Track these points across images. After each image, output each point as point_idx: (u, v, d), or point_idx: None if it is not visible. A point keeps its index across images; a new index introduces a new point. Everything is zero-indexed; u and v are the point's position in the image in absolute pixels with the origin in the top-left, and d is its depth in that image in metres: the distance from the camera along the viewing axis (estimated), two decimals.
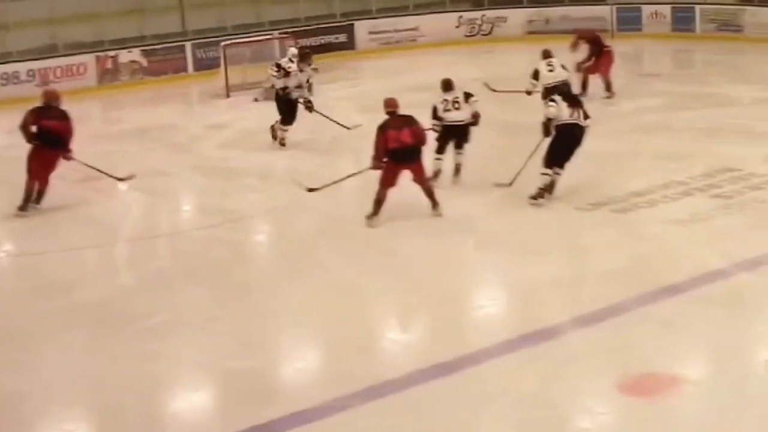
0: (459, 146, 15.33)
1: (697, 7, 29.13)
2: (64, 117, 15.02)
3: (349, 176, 14.73)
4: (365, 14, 30.11)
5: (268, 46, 25.91)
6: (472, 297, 11.50)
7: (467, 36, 30.03)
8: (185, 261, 13.02)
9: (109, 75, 25.09)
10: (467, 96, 15.27)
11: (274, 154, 18.40)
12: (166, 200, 16.01)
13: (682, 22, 28.99)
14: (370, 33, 28.36)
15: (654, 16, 29.57)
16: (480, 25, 29.99)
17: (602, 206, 13.75)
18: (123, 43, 26.41)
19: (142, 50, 26.35)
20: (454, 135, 15.24)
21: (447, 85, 15.45)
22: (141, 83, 25.97)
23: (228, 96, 23.09)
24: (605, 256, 11.99)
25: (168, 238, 14.07)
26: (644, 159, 16.48)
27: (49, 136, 14.80)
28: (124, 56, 25.82)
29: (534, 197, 13.85)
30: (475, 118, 15.16)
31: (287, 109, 18.45)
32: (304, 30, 28.30)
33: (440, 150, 15.29)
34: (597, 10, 30.08)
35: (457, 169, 15.32)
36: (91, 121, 22.10)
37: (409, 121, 13.74)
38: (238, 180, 16.83)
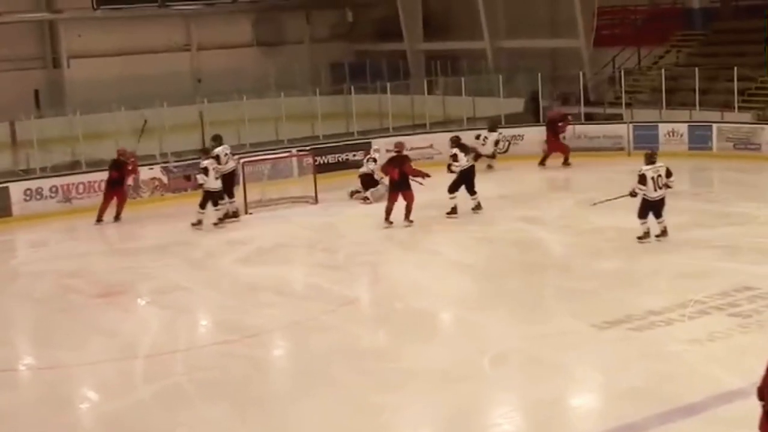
0: None
1: (714, 126, 29.44)
2: None
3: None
4: (382, 132, 30.51)
5: (286, 164, 26.37)
6: (487, 414, 11.57)
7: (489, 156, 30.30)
8: (202, 376, 13.12)
9: (130, 191, 25.38)
10: None
11: (290, 271, 18.79)
12: (184, 315, 16.17)
13: (699, 140, 29.24)
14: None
15: (671, 134, 29.86)
16: (497, 143, 30.34)
17: (620, 324, 13.84)
18: (144, 160, 26.81)
19: (163, 167, 26.75)
20: None
21: None
22: (161, 200, 26.30)
23: (246, 212, 23.34)
24: (623, 375, 12.05)
25: (185, 353, 14.21)
26: (662, 277, 16.60)
27: None
28: (145, 173, 26.18)
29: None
30: None
31: None
32: (323, 147, 28.66)
33: None
34: (614, 129, 30.44)
35: None
36: (111, 236, 22.52)
37: None
38: (254, 296, 17.04)
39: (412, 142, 29.79)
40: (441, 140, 29.89)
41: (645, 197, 18.74)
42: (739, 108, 30.16)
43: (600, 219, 21.13)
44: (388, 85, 33.12)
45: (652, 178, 18.72)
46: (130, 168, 24.39)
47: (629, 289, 15.73)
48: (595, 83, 37.24)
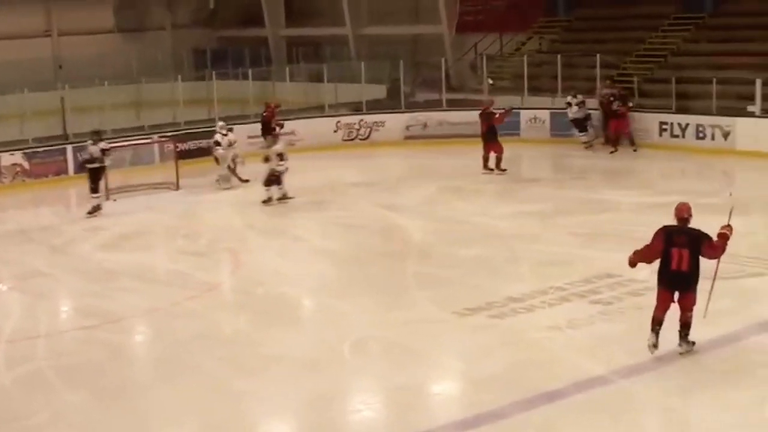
0: None
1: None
2: None
3: None
4: (244, 118, 30.16)
5: (148, 150, 26.15)
6: (348, 400, 11.47)
7: (345, 140, 30.20)
8: (63, 362, 12.86)
9: None
10: None
11: (152, 257, 18.65)
12: (45, 301, 15.90)
13: (561, 127, 29.57)
14: (249, 137, 28.30)
15: (533, 120, 30.15)
16: (358, 130, 30.24)
17: (481, 311, 13.81)
18: (5, 146, 26.22)
19: (24, 153, 26.13)
20: None
21: None
22: (22, 185, 25.68)
23: (108, 198, 22.83)
24: (484, 362, 12.01)
25: (46, 339, 13.92)
26: (523, 264, 16.68)
27: None
28: (6, 159, 25.58)
29: None
30: None
31: None
32: (184, 133, 28.26)
33: None
34: (475, 116, 30.55)
35: None
36: None
37: None
38: (116, 282, 16.76)
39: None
40: (303, 126, 29.79)
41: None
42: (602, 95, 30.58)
43: (461, 206, 21.22)
44: (250, 71, 32.88)
45: None
46: None
47: (491, 277, 15.76)
48: (458, 70, 37.41)
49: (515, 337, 12.88)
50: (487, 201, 22.12)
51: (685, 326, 11.94)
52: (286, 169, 21.92)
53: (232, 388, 11.66)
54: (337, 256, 17.86)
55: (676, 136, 27.65)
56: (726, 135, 26.50)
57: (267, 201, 21.86)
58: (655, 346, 11.71)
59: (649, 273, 15.12)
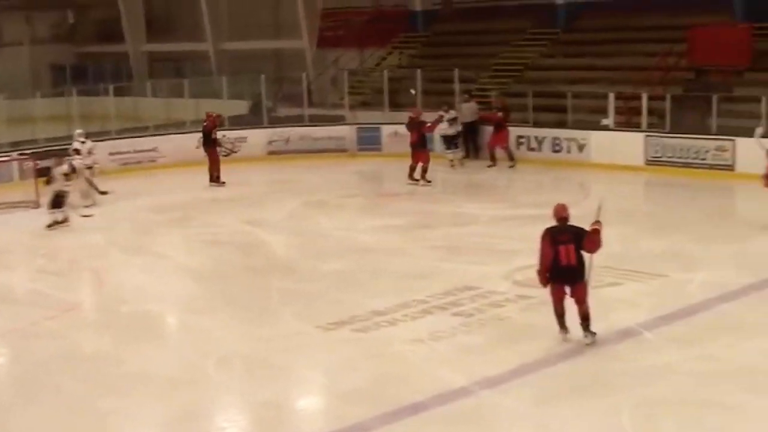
0: None
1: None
2: None
3: None
4: (104, 135, 29.74)
5: (6, 167, 25.83)
6: (213, 418, 11.40)
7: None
8: None
9: None
10: None
11: (11, 276, 18.23)
12: None
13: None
14: (110, 154, 27.94)
15: (394, 135, 30.35)
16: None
17: (344, 325, 13.86)
18: None
19: None
20: None
21: None
22: None
23: None
24: (348, 376, 12.06)
25: None
26: (386, 278, 16.78)
27: None
28: None
29: None
30: None
31: None
32: (45, 151, 27.73)
33: None
34: (337, 130, 30.74)
35: None
36: None
37: None
38: None
39: (136, 145, 29.27)
40: (165, 143, 29.50)
41: None
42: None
43: (325, 221, 21.28)
44: (111, 87, 32.44)
45: None
46: None
47: (354, 290, 15.82)
48: (319, 85, 37.51)
49: (379, 350, 12.95)
50: (350, 215, 22.23)
51: (584, 318, 12.83)
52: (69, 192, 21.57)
53: (95, 408, 11.47)
54: (201, 273, 17.74)
55: (533, 149, 28.17)
56: (581, 148, 27.13)
57: (51, 225, 21.23)
58: (566, 334, 12.89)
59: (508, 285, 15.57)
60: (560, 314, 12.96)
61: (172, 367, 12.67)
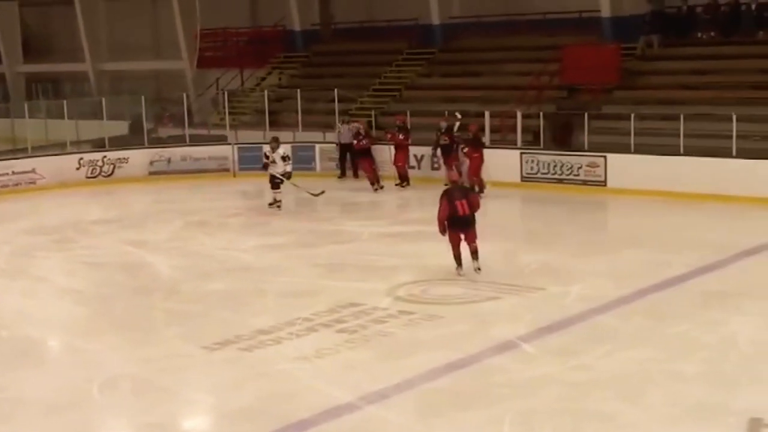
0: None
1: (317, 146, 30.30)
2: None
3: None
4: None
5: None
6: None
7: (89, 177, 29.60)
8: None
9: None
10: None
11: None
12: None
13: (303, 160, 29.94)
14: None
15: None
16: (101, 167, 29.70)
17: (230, 345, 13.79)
18: None
19: None
20: None
21: None
22: None
23: None
24: (234, 395, 11.99)
25: None
26: (270, 297, 16.78)
27: None
28: None
29: None
30: None
31: None
32: None
33: None
34: (219, 150, 30.63)
35: None
36: None
37: None
38: None
39: (14, 167, 28.74)
40: (45, 164, 29.04)
41: None
42: None
43: (208, 240, 21.16)
44: None
45: None
46: None
47: (238, 310, 15.75)
48: (200, 105, 37.35)
49: (264, 368, 12.92)
50: (233, 235, 22.15)
51: (474, 252, 17.15)
52: None
53: None
54: (83, 295, 17.48)
55: (413, 168, 28.42)
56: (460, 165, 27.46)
57: None
58: (461, 270, 17.10)
59: (390, 301, 15.69)
60: (458, 256, 17.09)
61: (55, 391, 12.41)
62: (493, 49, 32.83)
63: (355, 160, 29.01)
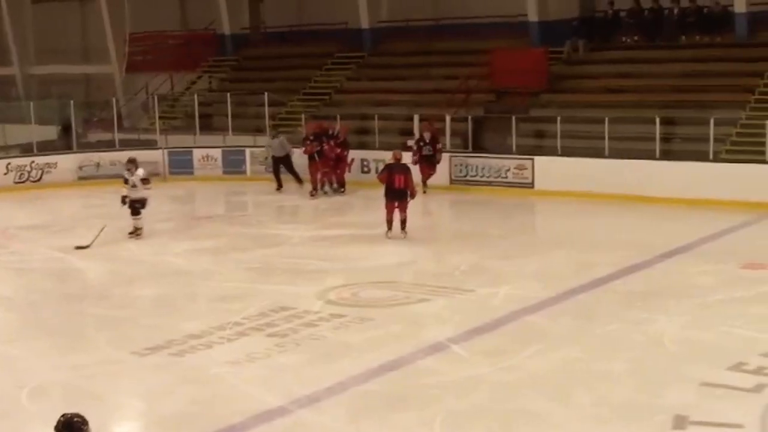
0: None
1: (247, 150, 30.18)
2: None
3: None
4: None
5: None
6: None
7: (17, 182, 29.17)
8: None
9: None
10: None
11: None
12: None
13: (233, 164, 29.85)
14: None
15: (205, 159, 30.22)
16: (29, 172, 29.30)
17: (161, 350, 13.67)
18: None
19: None
20: None
21: None
22: None
23: None
24: (166, 400, 11.90)
25: None
26: (201, 301, 16.68)
27: None
28: None
29: None
30: None
31: None
32: None
33: None
34: (149, 155, 30.31)
35: None
36: None
37: None
38: None
39: None
40: None
41: None
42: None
43: (137, 246, 20.94)
44: None
45: None
46: None
47: (169, 315, 15.64)
48: (130, 109, 37.05)
49: (196, 373, 12.82)
50: (163, 239, 21.94)
51: (403, 222, 20.55)
52: None
53: None
54: (11, 302, 17.22)
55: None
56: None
57: None
58: (389, 232, 20.57)
59: (321, 304, 15.67)
60: (390, 221, 20.57)
61: None
62: (421, 53, 32.92)
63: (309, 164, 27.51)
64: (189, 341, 13.96)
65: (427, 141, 26.71)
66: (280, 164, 28.16)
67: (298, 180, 27.90)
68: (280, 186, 28.09)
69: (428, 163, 26.62)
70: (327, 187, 27.25)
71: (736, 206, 22.70)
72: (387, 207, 20.61)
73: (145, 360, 13.39)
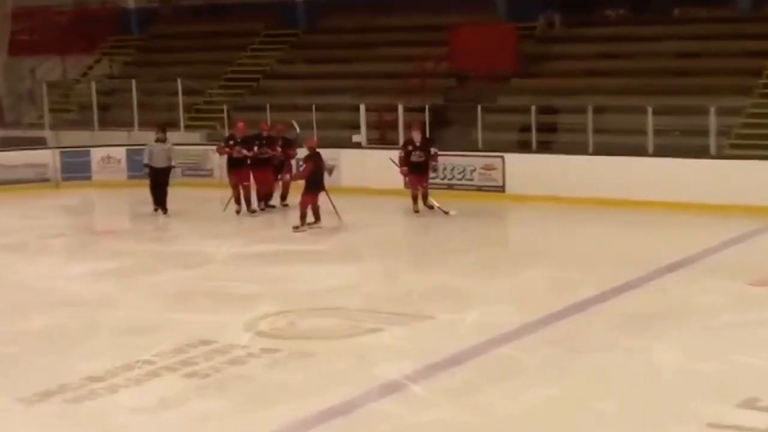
0: None
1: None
2: None
3: None
4: None
5: None
6: None
7: None
8: None
9: None
10: None
11: None
12: None
13: (141, 167, 29.58)
14: None
15: (107, 160, 30.03)
16: None
17: (54, 395, 13.50)
18: None
19: None
20: None
21: None
22: None
23: None
24: None
25: None
26: (102, 335, 16.46)
27: None
28: None
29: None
30: None
31: None
32: None
33: None
34: (37, 156, 30.11)
35: None
36: None
37: None
38: None
39: None
40: None
41: None
42: (186, 126, 30.89)
43: (25, 268, 20.79)
44: None
45: None
46: None
47: (64, 353, 15.44)
48: (13, 100, 36.79)
49: (97, 423, 12.68)
50: (56, 260, 21.81)
51: (317, 211, 22.99)
52: None
53: None
54: None
55: None
56: (330, 170, 27.28)
57: None
58: (301, 227, 22.81)
59: (250, 337, 15.59)
60: (304, 214, 22.64)
61: None
62: (368, 30, 33.00)
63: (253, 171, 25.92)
64: (88, 385, 13.79)
65: (418, 144, 25.09)
66: (159, 180, 26.22)
67: (164, 209, 26.16)
68: (158, 207, 26.34)
69: (419, 173, 25.04)
70: (255, 205, 25.94)
71: (742, 211, 22.92)
72: (306, 200, 22.78)
73: (34, 408, 13.22)
